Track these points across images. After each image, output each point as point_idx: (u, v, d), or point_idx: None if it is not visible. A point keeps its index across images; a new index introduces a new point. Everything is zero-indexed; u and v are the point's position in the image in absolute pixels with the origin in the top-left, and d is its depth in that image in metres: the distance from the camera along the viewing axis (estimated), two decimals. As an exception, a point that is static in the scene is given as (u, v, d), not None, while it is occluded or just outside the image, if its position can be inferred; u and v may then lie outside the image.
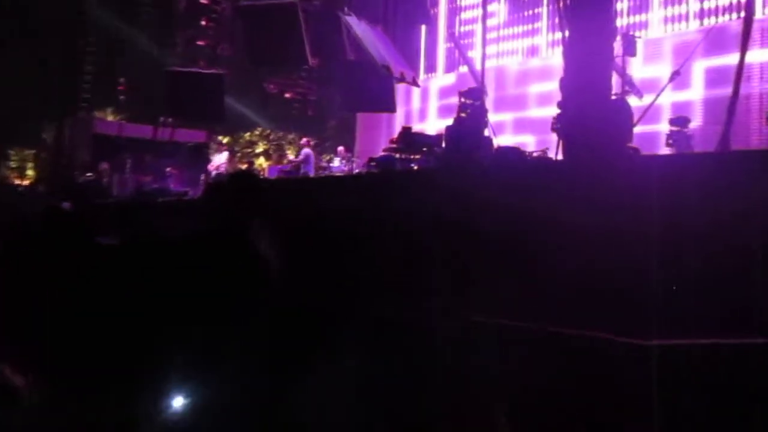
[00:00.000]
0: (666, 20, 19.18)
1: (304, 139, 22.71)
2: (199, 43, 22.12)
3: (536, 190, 5.91)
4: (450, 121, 13.66)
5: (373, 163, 15.74)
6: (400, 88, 23.05)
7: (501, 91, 21.48)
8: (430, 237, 6.51)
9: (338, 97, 22.43)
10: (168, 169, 21.67)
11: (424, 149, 14.88)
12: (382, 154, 15.92)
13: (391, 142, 16.18)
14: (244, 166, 26.58)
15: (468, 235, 6.18)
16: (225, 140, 28.14)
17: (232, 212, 4.75)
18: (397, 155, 14.99)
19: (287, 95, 23.29)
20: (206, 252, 4.60)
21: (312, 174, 20.71)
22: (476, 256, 6.10)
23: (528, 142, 18.62)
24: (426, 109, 24.77)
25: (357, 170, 20.14)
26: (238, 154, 29.97)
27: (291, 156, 22.23)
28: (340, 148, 22.54)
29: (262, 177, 22.21)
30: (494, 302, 5.82)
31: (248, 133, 31.05)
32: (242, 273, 4.56)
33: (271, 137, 31.01)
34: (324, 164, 22.39)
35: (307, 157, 20.98)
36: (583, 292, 5.32)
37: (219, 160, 22.90)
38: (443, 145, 13.92)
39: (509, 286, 5.75)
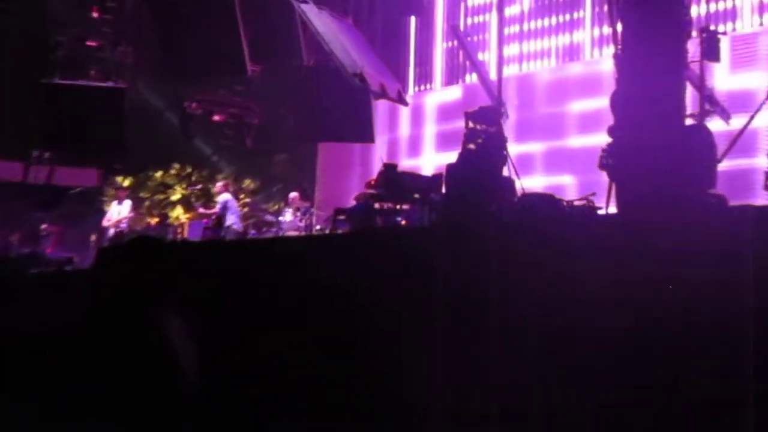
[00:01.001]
0: (762, 8, 19.13)
1: (220, 184, 22.77)
2: (90, 43, 22.00)
3: (579, 257, 5.88)
4: (453, 156, 13.69)
5: (341, 217, 15.75)
6: (380, 107, 23.17)
7: (527, 111, 21.58)
8: (423, 327, 6.47)
9: (290, 119, 22.48)
10: (44, 225, 21.61)
11: (416, 196, 14.90)
12: (355, 203, 15.93)
13: (368, 185, 16.22)
14: (154, 221, 26.56)
15: (476, 324, 6.15)
16: (126, 183, 27.99)
17: (131, 291, 4.72)
18: (377, 205, 15.00)
19: (216, 118, 23.09)
20: (95, 347, 4.56)
21: (239, 226, 20.71)
22: (487, 355, 6.05)
23: (567, 185, 18.75)
24: (419, 137, 24.85)
25: (318, 227, 20.13)
26: (146, 203, 29.84)
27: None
28: (294, 195, 22.50)
29: (179, 238, 22.21)
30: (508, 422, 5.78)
31: (160, 173, 30.93)
32: (144, 375, 4.52)
33: (194, 178, 30.90)
34: (270, 218, 22.32)
35: (225, 204, 21.06)
36: (641, 406, 5.26)
37: (118, 212, 22.87)
38: (443, 190, 13.94)
39: (535, 398, 5.70)
